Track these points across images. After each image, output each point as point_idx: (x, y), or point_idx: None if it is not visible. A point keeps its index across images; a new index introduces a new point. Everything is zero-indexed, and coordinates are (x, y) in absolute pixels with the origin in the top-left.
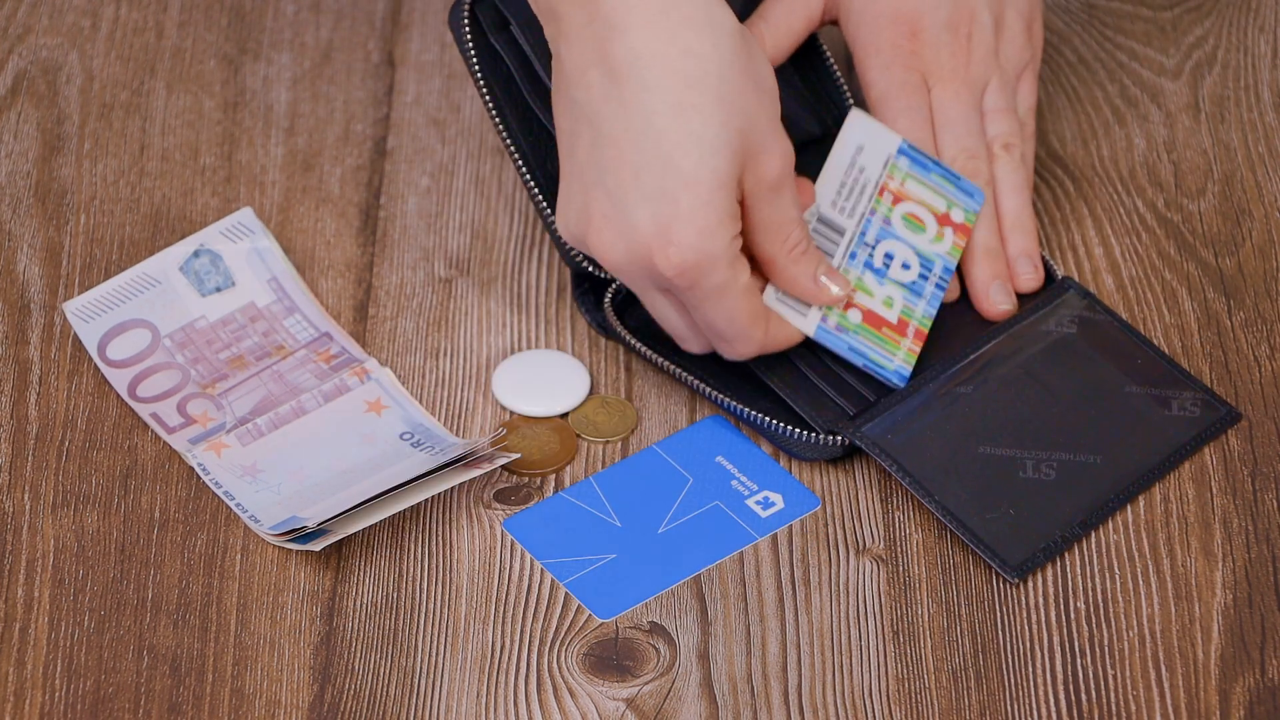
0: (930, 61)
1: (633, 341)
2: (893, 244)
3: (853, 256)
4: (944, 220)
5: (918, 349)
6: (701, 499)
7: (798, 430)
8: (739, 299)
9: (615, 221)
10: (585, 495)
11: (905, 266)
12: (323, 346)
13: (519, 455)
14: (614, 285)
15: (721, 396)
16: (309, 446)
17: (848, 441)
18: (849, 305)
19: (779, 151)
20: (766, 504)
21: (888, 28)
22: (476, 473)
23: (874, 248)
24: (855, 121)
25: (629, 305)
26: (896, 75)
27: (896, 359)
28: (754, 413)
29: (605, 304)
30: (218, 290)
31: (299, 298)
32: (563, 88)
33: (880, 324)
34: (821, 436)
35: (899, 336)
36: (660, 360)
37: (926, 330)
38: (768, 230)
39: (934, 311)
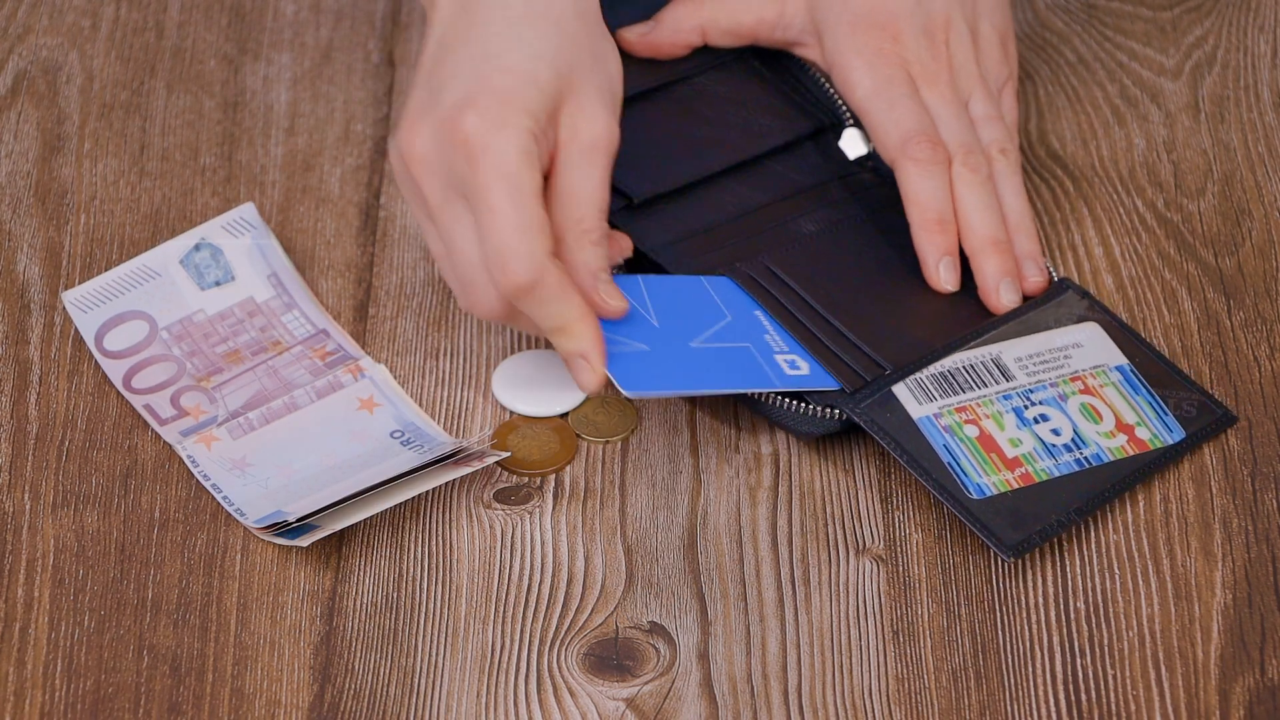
0: (915, 63)
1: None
2: (1056, 413)
3: (1005, 398)
4: (1124, 428)
5: (1014, 485)
6: (734, 337)
7: (797, 404)
8: (517, 201)
9: (428, 107)
10: (630, 289)
11: (1056, 432)
12: (319, 343)
13: (509, 454)
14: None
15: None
16: (298, 442)
17: (844, 416)
18: (970, 420)
19: (604, 122)
20: (793, 365)
21: (866, 32)
22: (466, 470)
23: (1034, 405)
24: (1087, 330)
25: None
26: (883, 72)
27: (986, 478)
28: (756, 392)
29: None
30: (217, 284)
31: (298, 294)
32: (428, 33)
33: (992, 449)
34: (820, 410)
35: (1003, 467)
36: None
37: (1035, 479)
38: (566, 197)
39: (1056, 474)
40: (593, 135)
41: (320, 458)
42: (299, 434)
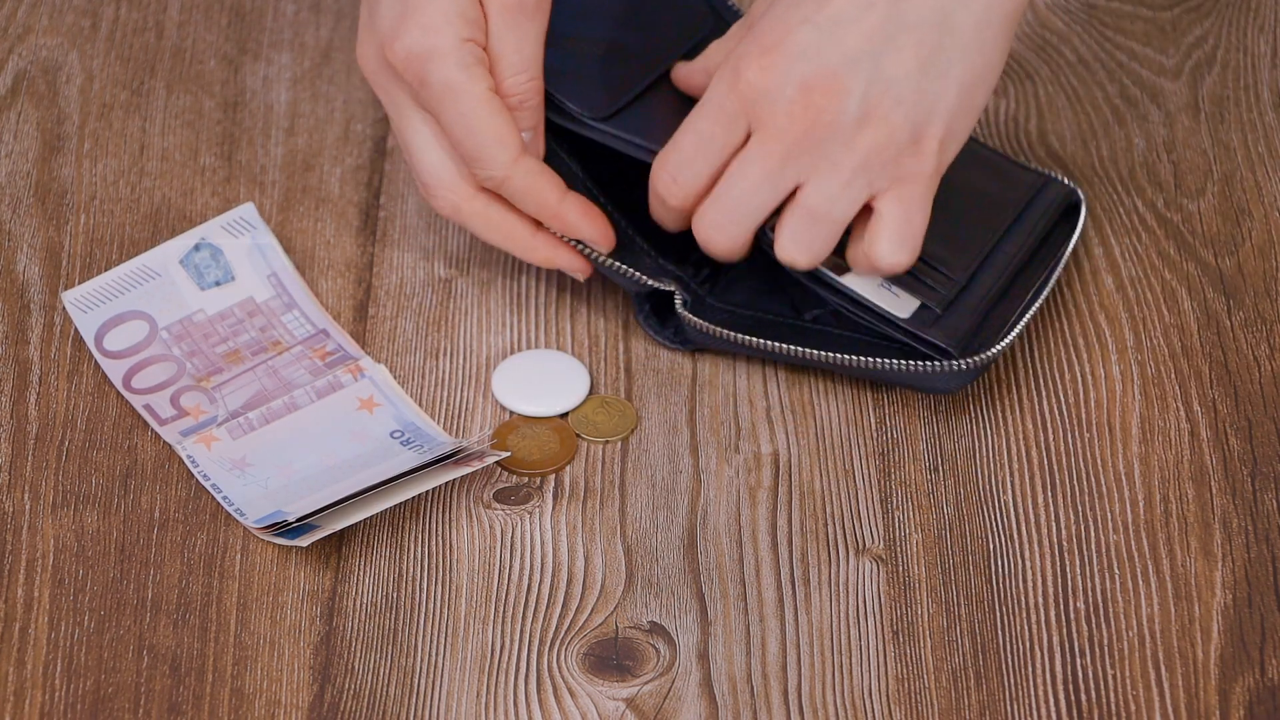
0: (762, 106)
1: (725, 334)
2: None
3: None
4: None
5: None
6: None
7: (926, 364)
8: (474, 105)
9: (369, 28)
10: None
11: None
12: (319, 343)
13: (509, 453)
14: (678, 294)
15: (836, 356)
16: (298, 442)
17: (978, 363)
18: None
19: None
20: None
21: (751, 43)
22: (466, 470)
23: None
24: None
25: (702, 306)
26: (722, 94)
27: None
28: (875, 361)
29: (678, 309)
30: (217, 284)
31: (298, 294)
32: None
33: None
34: (951, 363)
35: None
36: (760, 343)
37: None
38: (495, 59)
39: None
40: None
41: (320, 458)
42: (299, 434)
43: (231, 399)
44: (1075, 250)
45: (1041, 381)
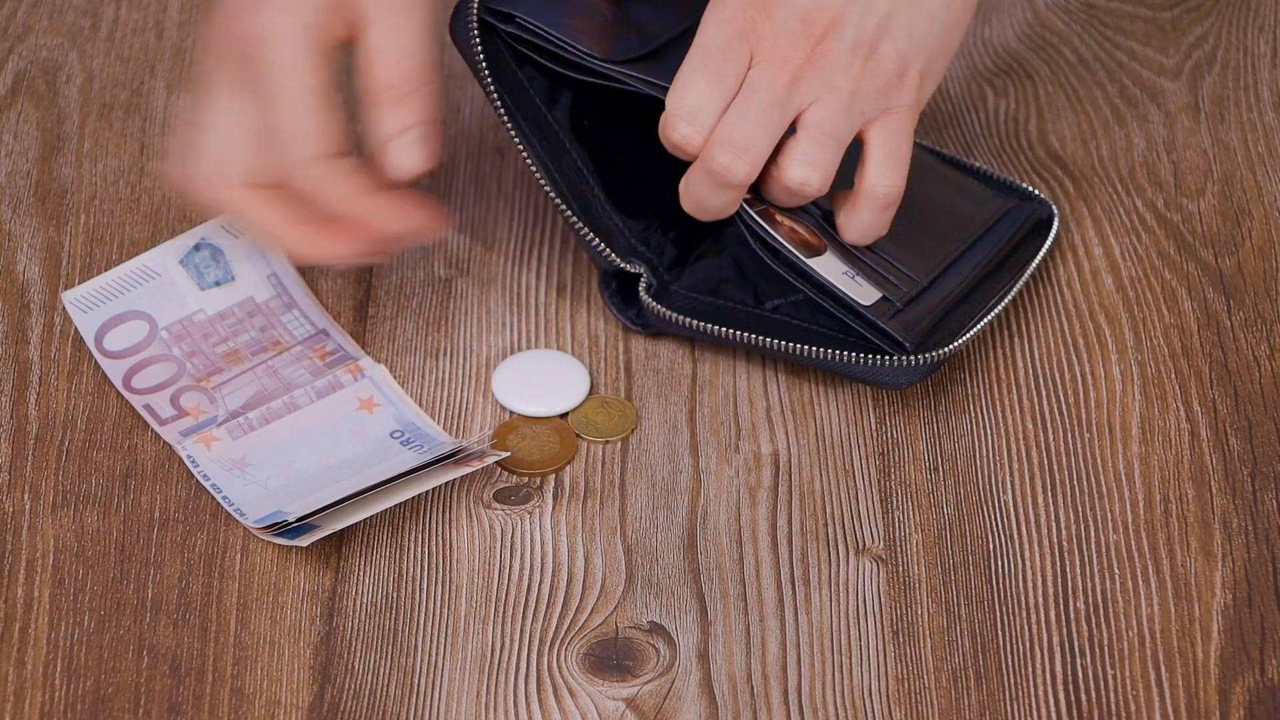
0: (765, 40)
1: (685, 320)
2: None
3: None
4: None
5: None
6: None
7: (878, 358)
8: (293, 86)
9: (224, 5)
10: None
11: None
12: (319, 343)
13: (509, 453)
14: (644, 277)
15: (792, 345)
16: (298, 442)
17: (929, 360)
18: None
19: None
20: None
21: None
22: (466, 470)
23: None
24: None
25: (665, 292)
26: (726, 35)
27: None
28: (829, 352)
29: (641, 293)
30: (217, 284)
31: (297, 294)
32: None
33: None
34: (902, 358)
35: None
36: (717, 330)
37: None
38: (369, 57)
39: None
40: None
41: (320, 458)
42: (299, 434)
43: (231, 399)
44: (1075, 250)
45: (1041, 381)
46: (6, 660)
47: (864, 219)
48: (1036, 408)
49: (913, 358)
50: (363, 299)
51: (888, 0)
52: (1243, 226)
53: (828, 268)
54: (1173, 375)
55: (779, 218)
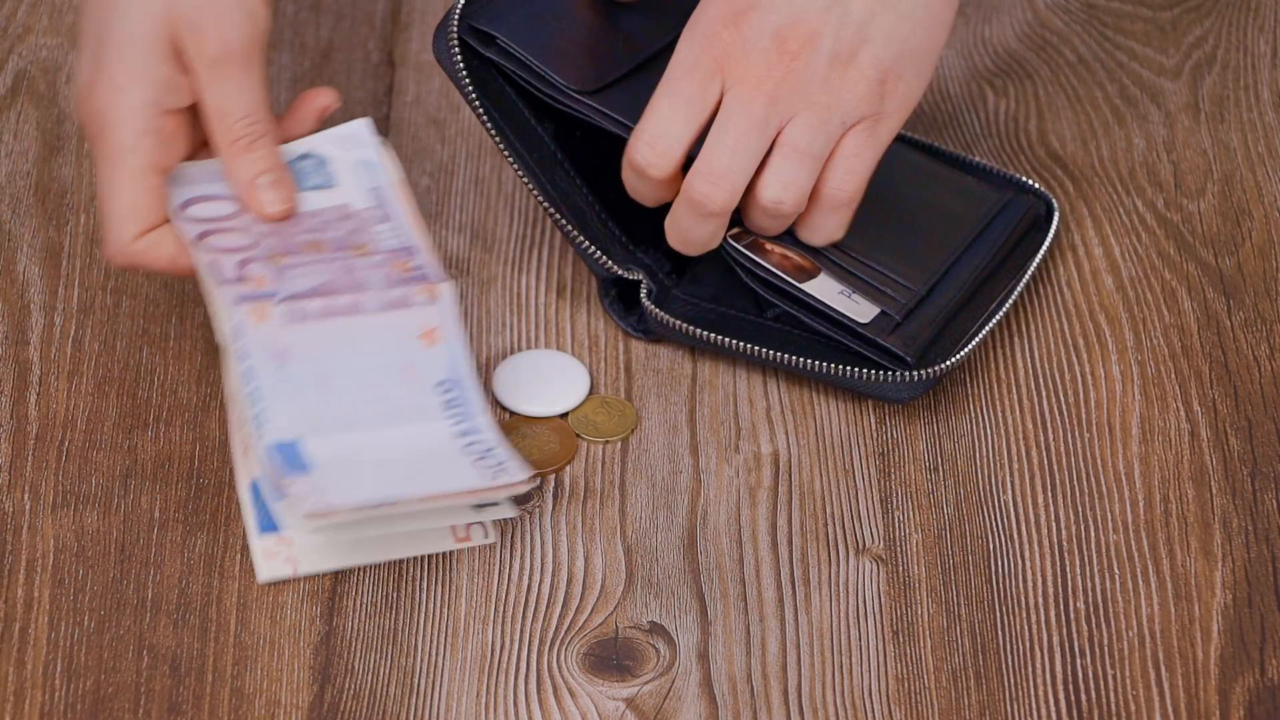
0: (738, 60)
1: (685, 328)
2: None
3: None
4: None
5: None
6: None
7: (879, 373)
8: (125, 176)
9: (76, 78)
10: None
11: None
12: (403, 257)
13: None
14: (644, 283)
15: (793, 358)
16: (348, 352)
17: (932, 374)
18: None
19: (218, 34)
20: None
21: (719, 6)
22: (452, 545)
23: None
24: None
25: (666, 297)
26: (696, 55)
27: None
28: (830, 366)
29: (642, 299)
30: (317, 188)
31: (397, 210)
32: None
33: None
34: (904, 374)
35: None
36: (718, 339)
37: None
38: (210, 117)
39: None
40: (211, 52)
41: (361, 384)
42: (351, 343)
43: (298, 280)
44: (1075, 250)
45: (1041, 381)
46: (6, 660)
47: (816, 219)
48: (1036, 408)
49: (915, 373)
50: None
51: (864, 7)
52: (1243, 226)
53: (822, 289)
54: (1173, 375)
55: (769, 246)
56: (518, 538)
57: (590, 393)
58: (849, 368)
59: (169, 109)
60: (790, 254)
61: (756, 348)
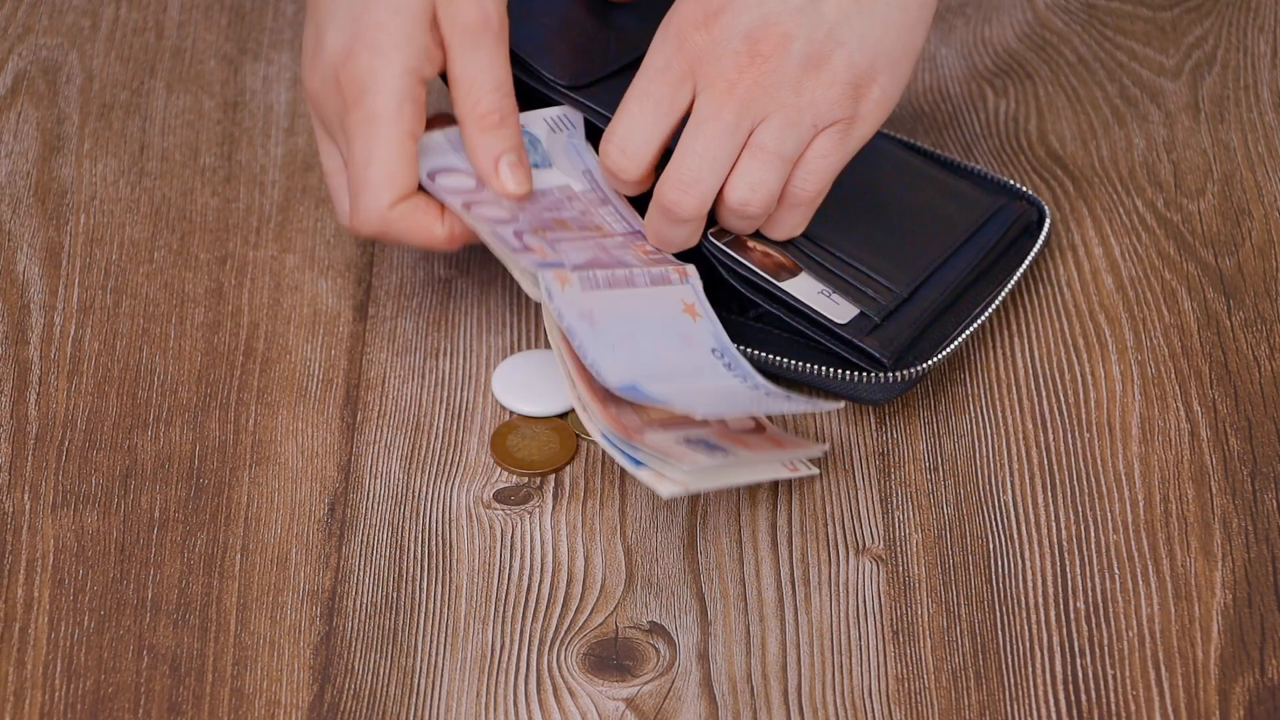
0: (708, 62)
1: None
2: None
3: None
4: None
5: None
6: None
7: (854, 374)
8: (386, 142)
9: (316, 49)
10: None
11: None
12: (639, 241)
13: (815, 470)
14: None
15: (771, 357)
16: (640, 319)
17: (908, 377)
18: None
19: (475, 3)
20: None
21: (692, 5)
22: (787, 474)
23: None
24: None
25: None
26: (667, 57)
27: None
28: (806, 365)
29: None
30: (535, 166)
31: (612, 194)
32: None
33: None
34: (879, 375)
35: None
36: None
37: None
38: (458, 85)
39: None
40: (468, 19)
41: (657, 344)
42: (638, 312)
43: (571, 254)
44: (1075, 250)
45: (1041, 381)
46: (6, 660)
47: (776, 215)
48: (1036, 408)
49: (890, 375)
50: (363, 299)
51: (837, 9)
52: (1243, 226)
53: (802, 289)
54: (1173, 375)
55: (750, 244)
56: (518, 538)
57: None
58: (825, 368)
59: (424, 78)
60: (772, 252)
61: (738, 347)
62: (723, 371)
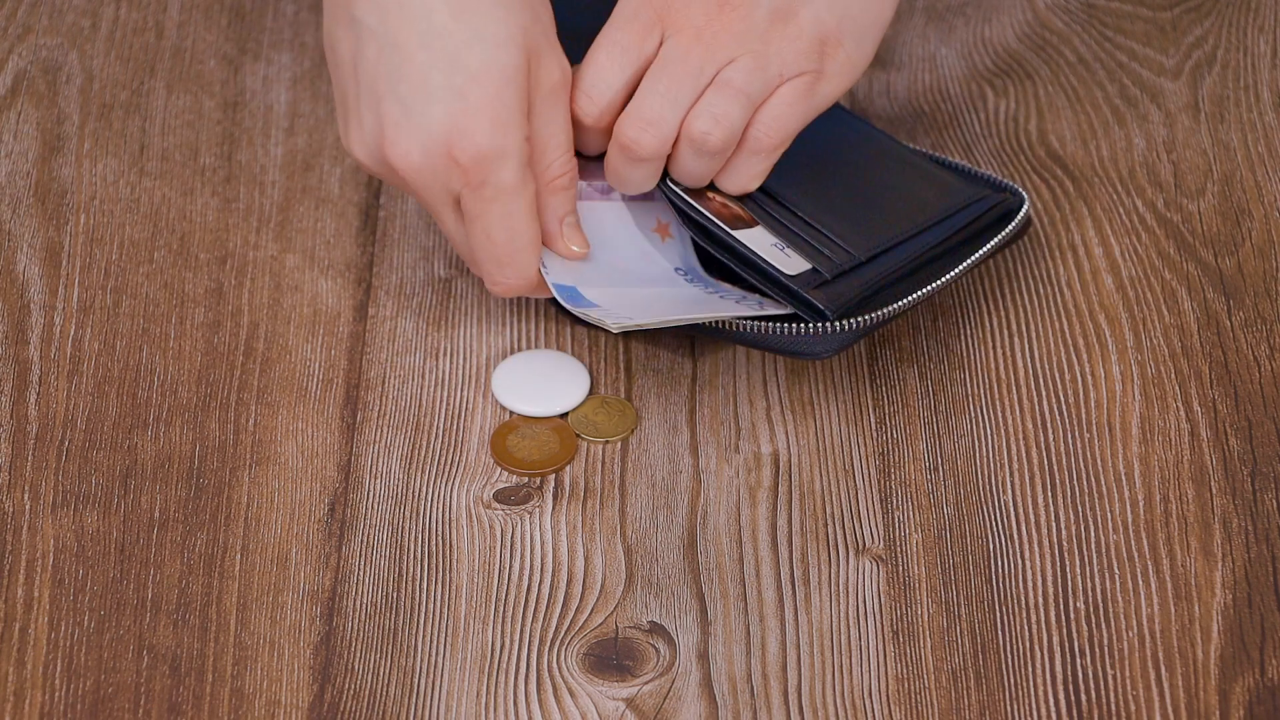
0: (678, 9)
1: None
2: None
3: None
4: None
5: None
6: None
7: (795, 326)
8: (523, 211)
9: (409, 126)
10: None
11: None
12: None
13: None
14: None
15: (716, 319)
16: (603, 228)
17: (848, 327)
18: None
19: (557, 62)
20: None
21: None
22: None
23: None
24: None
25: None
26: (635, 6)
27: None
28: (748, 324)
29: None
30: None
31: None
32: (339, 11)
33: None
34: (817, 325)
35: None
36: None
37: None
38: (534, 145)
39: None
40: (551, 82)
41: (614, 256)
42: (605, 221)
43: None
44: (1075, 250)
45: (1041, 381)
46: (6, 660)
47: (734, 161)
48: (1036, 408)
49: (829, 325)
50: (363, 299)
51: None
52: (1243, 226)
53: (756, 240)
54: (1173, 375)
55: (709, 193)
56: (518, 538)
57: (590, 393)
58: (769, 324)
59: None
60: (731, 203)
61: (676, 317)
62: (682, 283)
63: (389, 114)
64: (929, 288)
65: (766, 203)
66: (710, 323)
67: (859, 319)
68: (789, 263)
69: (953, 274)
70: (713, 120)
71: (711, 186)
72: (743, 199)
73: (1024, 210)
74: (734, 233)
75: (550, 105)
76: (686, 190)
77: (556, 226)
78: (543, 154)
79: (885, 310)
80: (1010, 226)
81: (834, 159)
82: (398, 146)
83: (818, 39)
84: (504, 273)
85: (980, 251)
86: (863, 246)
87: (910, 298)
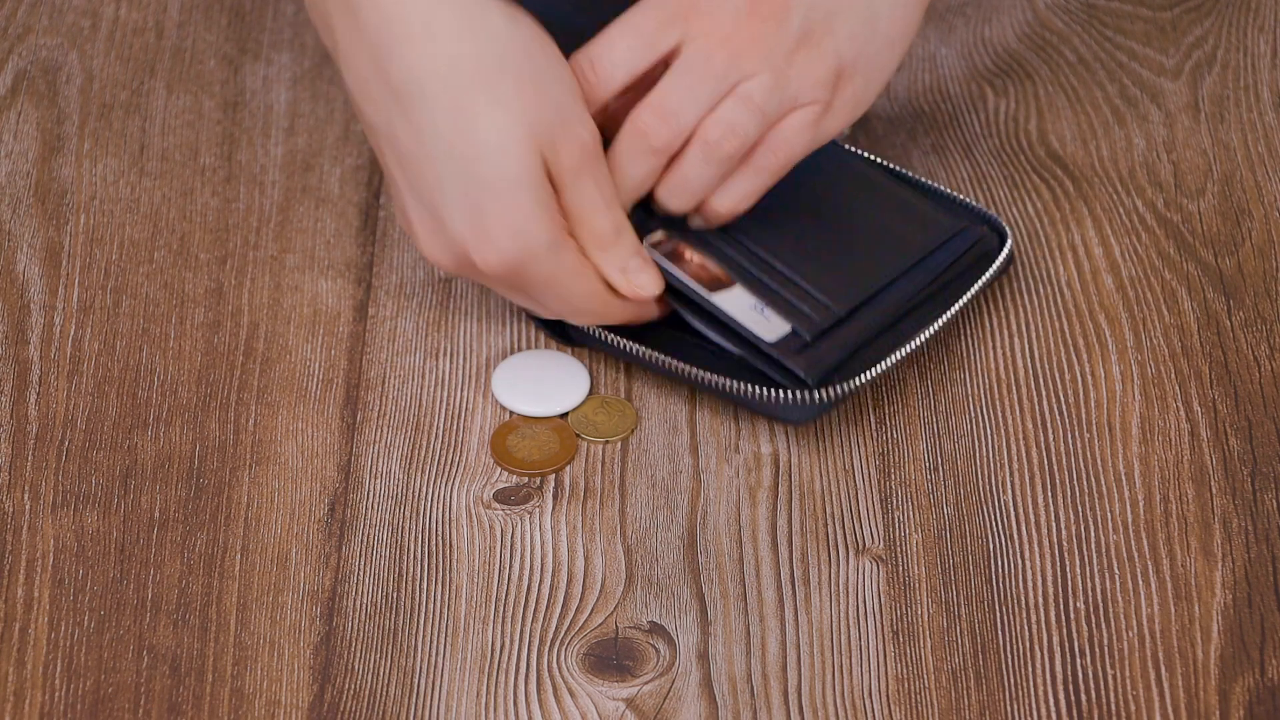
0: (705, 14)
1: (602, 334)
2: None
3: None
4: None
5: None
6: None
7: (774, 392)
8: (571, 282)
9: (436, 231)
10: None
11: None
12: None
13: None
14: None
15: (698, 373)
16: None
17: (827, 397)
18: None
19: (574, 137)
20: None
21: None
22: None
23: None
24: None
25: None
26: (665, 7)
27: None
28: (728, 382)
29: None
30: None
31: None
32: (357, 101)
33: None
34: (797, 394)
35: None
36: (634, 349)
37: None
38: (572, 219)
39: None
40: (573, 158)
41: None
42: None
43: None
44: (1075, 250)
45: (1041, 381)
46: (6, 660)
47: (736, 178)
48: (1036, 408)
49: (809, 394)
50: (363, 299)
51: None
52: (1243, 226)
53: (734, 303)
54: (1173, 375)
55: (688, 255)
56: (518, 538)
57: (590, 393)
58: (749, 385)
59: (559, 215)
60: (709, 264)
61: (669, 360)
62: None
63: (416, 215)
64: (910, 346)
65: (742, 255)
66: (694, 376)
67: (839, 387)
68: (768, 327)
69: (936, 326)
70: (729, 128)
71: (691, 246)
72: (720, 254)
73: (1006, 249)
74: (712, 297)
75: (580, 177)
76: (666, 254)
77: (620, 278)
78: (581, 223)
79: (865, 376)
80: (991, 271)
81: (811, 194)
82: (430, 247)
83: (835, 70)
84: (597, 319)
85: (962, 300)
86: (843, 298)
87: (891, 359)
